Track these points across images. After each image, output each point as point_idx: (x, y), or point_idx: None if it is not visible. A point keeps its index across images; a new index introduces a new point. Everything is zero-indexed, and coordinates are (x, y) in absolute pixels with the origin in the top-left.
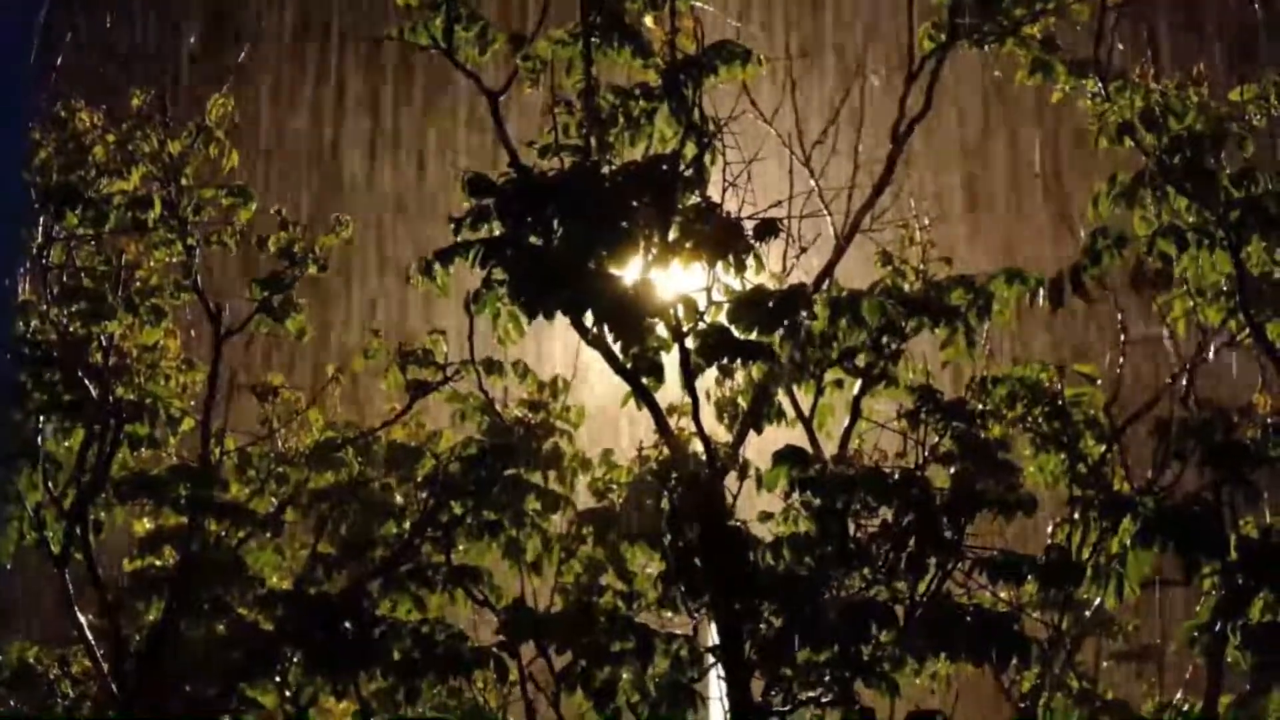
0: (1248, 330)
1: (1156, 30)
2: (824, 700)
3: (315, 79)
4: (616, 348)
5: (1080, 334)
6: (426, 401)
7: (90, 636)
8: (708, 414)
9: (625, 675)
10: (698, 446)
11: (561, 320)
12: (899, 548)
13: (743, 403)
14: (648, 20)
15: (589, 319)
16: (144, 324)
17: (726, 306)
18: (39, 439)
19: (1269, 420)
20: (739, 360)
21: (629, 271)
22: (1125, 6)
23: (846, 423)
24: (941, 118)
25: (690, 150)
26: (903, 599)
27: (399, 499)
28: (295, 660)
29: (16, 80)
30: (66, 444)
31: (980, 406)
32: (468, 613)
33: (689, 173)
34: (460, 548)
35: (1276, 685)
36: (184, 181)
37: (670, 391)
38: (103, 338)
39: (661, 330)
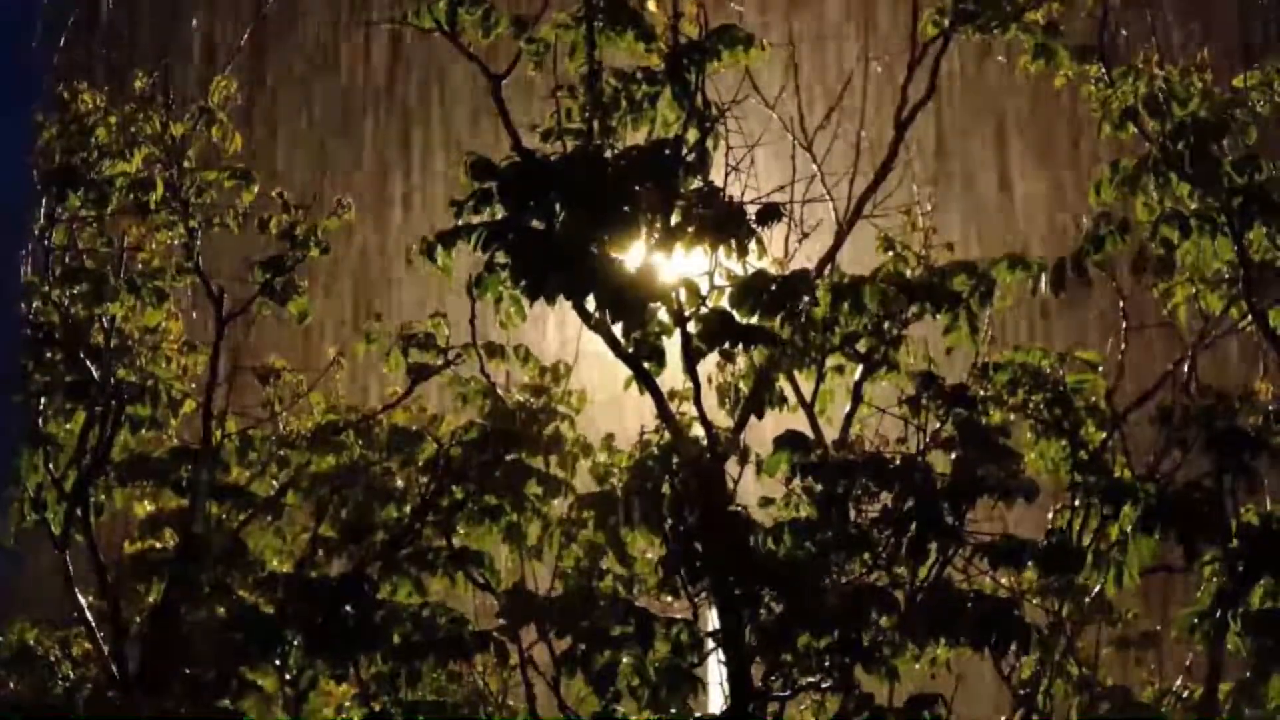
0: (1249, 317)
1: (1160, 16)
2: (824, 685)
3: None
4: (618, 331)
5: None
6: (428, 385)
7: (90, 618)
8: (709, 399)
9: (625, 659)
10: (699, 431)
11: (563, 304)
12: (900, 533)
13: (744, 388)
14: (650, 5)
15: (591, 303)
16: (146, 306)
17: (728, 291)
18: (40, 420)
19: (1270, 407)
20: (740, 345)
21: (631, 256)
22: None
23: (848, 408)
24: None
25: (693, 135)
26: (903, 585)
27: (400, 483)
28: (295, 643)
29: (20, 63)
30: (68, 426)
31: (982, 392)
32: (468, 596)
33: (691, 157)
34: (461, 532)
35: (1277, 672)
36: (186, 164)
37: (672, 376)
38: (104, 319)
39: (663, 315)
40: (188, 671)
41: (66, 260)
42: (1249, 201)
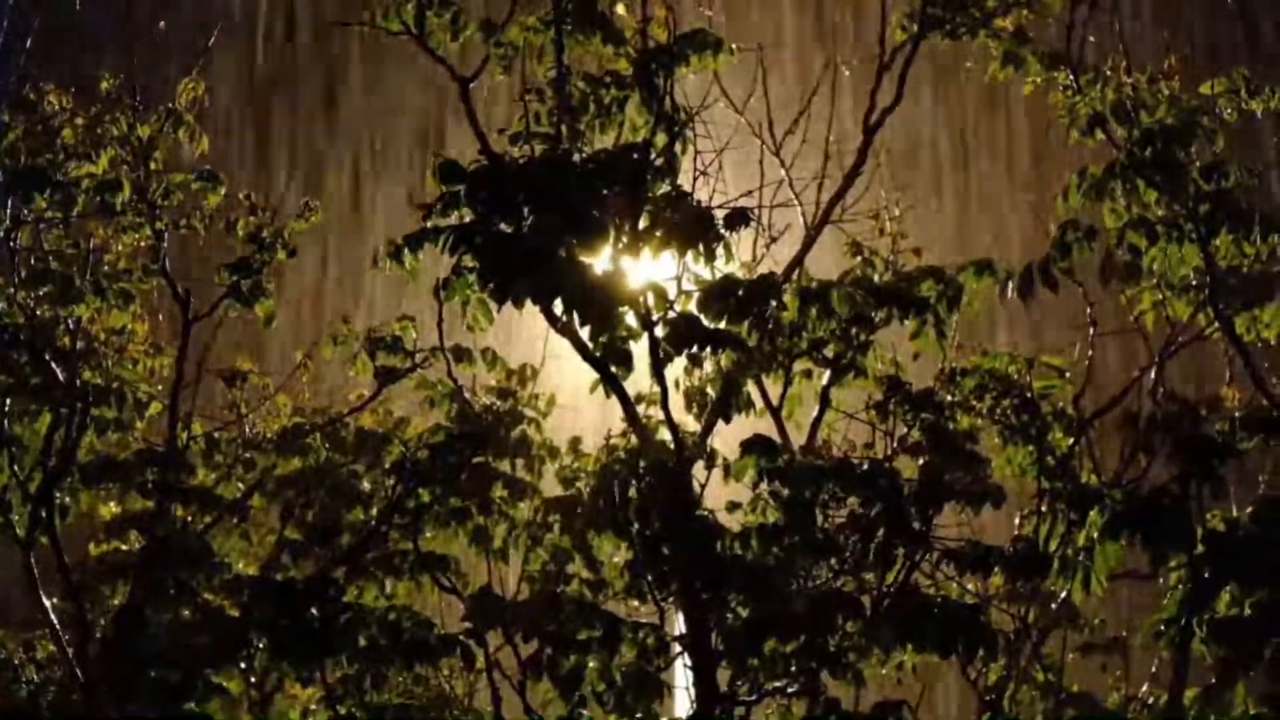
0: (1216, 323)
1: (1128, 24)
2: (790, 690)
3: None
4: (585, 335)
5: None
6: (395, 388)
7: (55, 620)
8: (676, 403)
9: (592, 663)
10: (666, 435)
11: (531, 307)
12: (867, 539)
13: (711, 392)
14: (619, 8)
15: (558, 306)
16: (112, 307)
17: (696, 295)
18: (5, 422)
19: (1236, 414)
20: (708, 349)
21: (599, 260)
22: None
23: (815, 413)
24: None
25: (661, 139)
26: (870, 590)
27: (366, 485)
28: (261, 646)
29: None
30: (33, 427)
31: (949, 398)
32: (435, 600)
33: (660, 161)
34: (427, 535)
35: (1242, 678)
36: (153, 165)
37: (639, 380)
38: (70, 321)
39: (631, 319)
40: (153, 674)
41: (32, 261)
42: (1215, 208)
